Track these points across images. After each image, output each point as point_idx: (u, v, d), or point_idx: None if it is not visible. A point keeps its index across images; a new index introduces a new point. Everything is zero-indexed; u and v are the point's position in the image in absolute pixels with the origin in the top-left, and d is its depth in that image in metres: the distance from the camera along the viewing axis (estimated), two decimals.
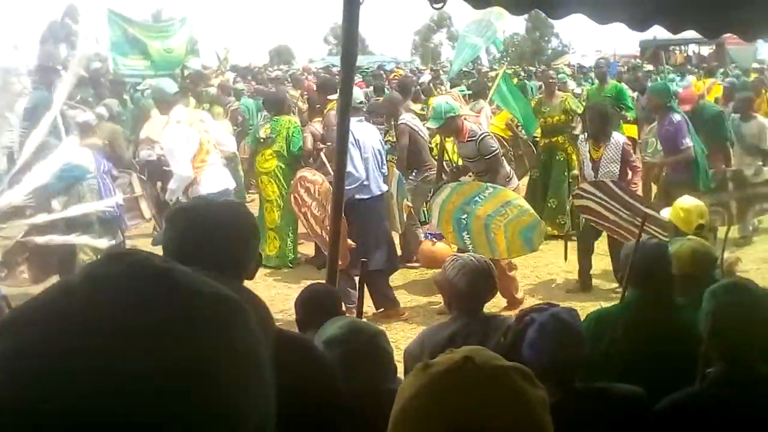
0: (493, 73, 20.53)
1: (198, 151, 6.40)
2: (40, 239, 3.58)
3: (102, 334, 0.54)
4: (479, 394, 0.98)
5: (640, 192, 8.62)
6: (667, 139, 7.48)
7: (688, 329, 2.90)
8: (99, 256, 0.67)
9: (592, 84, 11.45)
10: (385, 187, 6.61)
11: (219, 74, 15.04)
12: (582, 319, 3.14)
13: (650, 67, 22.63)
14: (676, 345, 2.82)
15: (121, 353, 0.53)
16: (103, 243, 4.10)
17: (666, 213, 4.54)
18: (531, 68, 22.22)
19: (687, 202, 4.61)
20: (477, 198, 5.85)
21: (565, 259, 7.14)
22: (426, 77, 17.56)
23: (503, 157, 7.01)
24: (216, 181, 6.50)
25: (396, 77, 16.88)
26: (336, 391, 1.89)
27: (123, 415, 0.52)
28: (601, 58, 14.22)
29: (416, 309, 6.68)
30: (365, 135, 6.37)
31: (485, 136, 6.58)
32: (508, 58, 37.78)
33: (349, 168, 6.00)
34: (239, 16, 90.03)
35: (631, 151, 7.01)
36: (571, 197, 8.37)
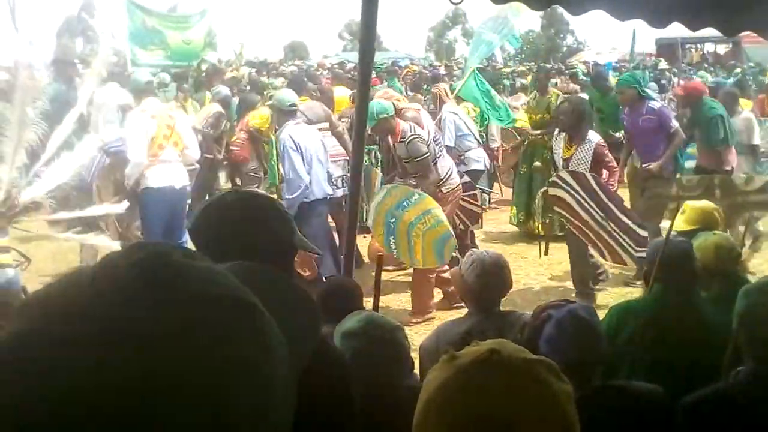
0: (507, 70, 20.50)
1: (149, 145, 6.38)
2: (60, 235, 3.62)
3: (98, 326, 0.53)
4: (505, 386, 0.98)
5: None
6: (646, 130, 7.13)
7: (709, 324, 2.90)
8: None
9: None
10: (330, 191, 6.55)
11: (234, 69, 15.08)
12: (607, 311, 3.15)
13: (664, 65, 22.50)
14: (699, 340, 2.82)
15: (112, 347, 0.53)
16: (117, 244, 4.17)
17: (679, 224, 4.38)
18: (546, 65, 22.11)
19: (695, 202, 4.52)
20: (405, 203, 5.81)
21: (545, 254, 6.81)
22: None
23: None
24: (161, 177, 6.46)
25: (409, 73, 16.85)
26: (349, 398, 1.88)
27: (104, 413, 0.51)
28: (596, 64, 13.67)
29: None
30: (305, 138, 6.30)
31: (414, 138, 6.39)
32: (523, 55, 37.64)
33: (291, 175, 6.10)
34: (254, 11, 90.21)
35: (606, 151, 6.65)
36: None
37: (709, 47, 31.56)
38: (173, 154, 6.60)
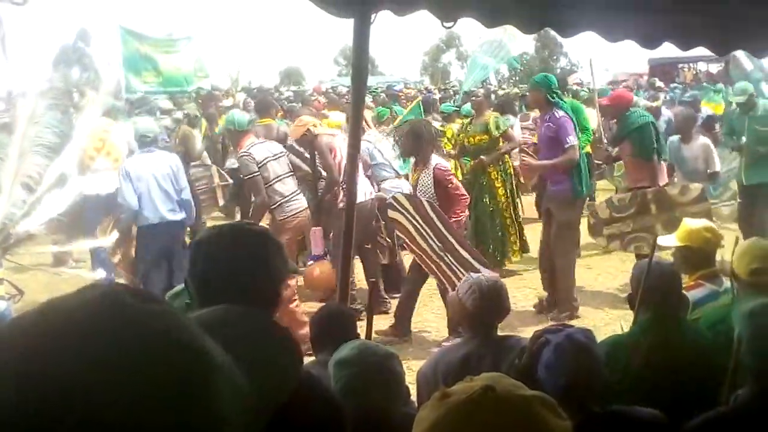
0: (501, 92, 20.60)
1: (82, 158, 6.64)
2: (52, 269, 3.63)
3: (45, 362, 0.54)
4: (501, 425, 0.94)
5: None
6: (547, 140, 6.60)
7: (701, 351, 2.87)
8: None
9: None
10: (173, 216, 6.49)
11: (230, 95, 15.14)
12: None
13: (661, 84, 22.62)
14: (692, 369, 2.78)
15: (49, 387, 0.53)
16: (98, 274, 4.24)
17: (671, 239, 4.24)
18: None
19: (689, 220, 4.42)
20: None
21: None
22: (436, 97, 17.65)
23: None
24: (96, 185, 6.70)
25: (401, 96, 16.95)
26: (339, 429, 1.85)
27: None
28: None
29: (427, 329, 6.63)
30: (140, 168, 6.41)
31: (242, 155, 6.31)
32: (517, 77, 37.85)
33: (119, 200, 6.35)
34: (249, 37, 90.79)
35: (448, 176, 6.19)
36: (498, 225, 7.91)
37: (701, 66, 31.73)
38: (104, 163, 7.17)
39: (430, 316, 6.95)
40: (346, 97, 15.44)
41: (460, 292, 3.25)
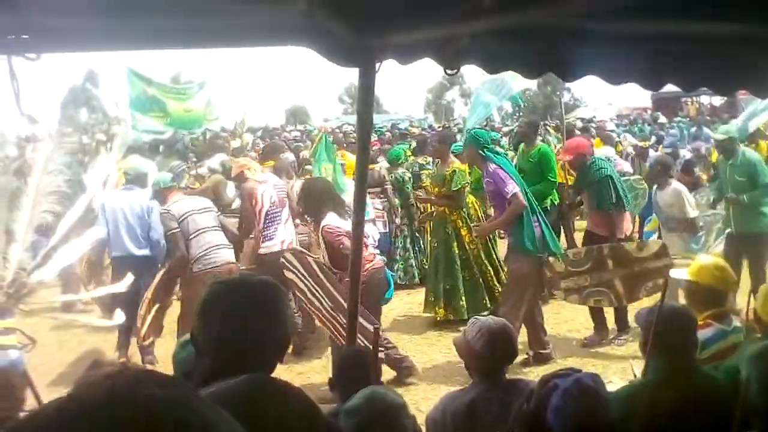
0: (505, 129, 20.72)
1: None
2: (64, 316, 3.65)
3: None
4: None
5: None
6: (491, 194, 6.60)
7: (715, 392, 2.83)
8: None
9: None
10: (137, 251, 6.82)
11: (236, 136, 15.26)
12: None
13: (664, 120, 22.73)
14: (707, 409, 2.75)
15: None
16: (117, 319, 4.27)
17: (682, 273, 4.18)
18: (546, 123, 22.33)
19: (704, 256, 4.40)
20: None
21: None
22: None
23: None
24: None
25: (408, 135, 17.07)
26: None
27: None
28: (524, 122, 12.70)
29: (435, 369, 6.61)
30: (115, 201, 6.85)
31: (162, 212, 6.58)
32: (521, 114, 38.06)
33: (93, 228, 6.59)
34: (254, 77, 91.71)
35: (337, 237, 5.77)
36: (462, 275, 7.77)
37: (704, 100, 31.89)
38: None
39: (438, 356, 6.92)
40: (351, 136, 15.56)
41: (469, 335, 3.25)
